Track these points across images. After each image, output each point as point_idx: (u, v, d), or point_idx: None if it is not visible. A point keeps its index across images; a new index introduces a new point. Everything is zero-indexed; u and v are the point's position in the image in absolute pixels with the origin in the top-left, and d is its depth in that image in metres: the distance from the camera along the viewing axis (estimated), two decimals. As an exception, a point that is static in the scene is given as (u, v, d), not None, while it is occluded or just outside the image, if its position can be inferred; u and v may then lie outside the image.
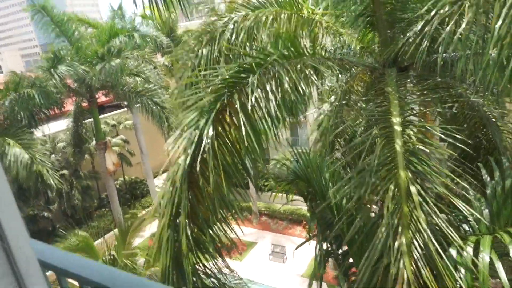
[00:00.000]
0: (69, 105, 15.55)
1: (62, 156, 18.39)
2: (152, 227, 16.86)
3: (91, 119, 15.56)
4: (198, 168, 3.92)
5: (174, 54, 9.04)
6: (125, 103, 16.31)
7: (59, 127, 17.77)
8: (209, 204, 4.19)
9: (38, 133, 13.42)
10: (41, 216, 17.42)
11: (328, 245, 4.58)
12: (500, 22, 2.53)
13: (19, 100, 11.37)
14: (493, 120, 4.86)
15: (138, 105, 14.25)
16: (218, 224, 4.33)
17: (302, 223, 18.24)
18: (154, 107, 13.41)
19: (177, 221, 4.04)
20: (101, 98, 16.17)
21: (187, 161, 3.79)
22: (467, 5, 2.90)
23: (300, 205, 17.56)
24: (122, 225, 8.47)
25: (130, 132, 20.46)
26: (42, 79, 11.89)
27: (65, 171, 18.00)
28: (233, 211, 4.32)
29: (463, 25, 3.05)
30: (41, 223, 17.58)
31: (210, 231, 4.25)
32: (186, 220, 3.88)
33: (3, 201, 0.58)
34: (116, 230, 8.97)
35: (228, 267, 4.59)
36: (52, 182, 10.72)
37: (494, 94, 4.71)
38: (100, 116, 16.02)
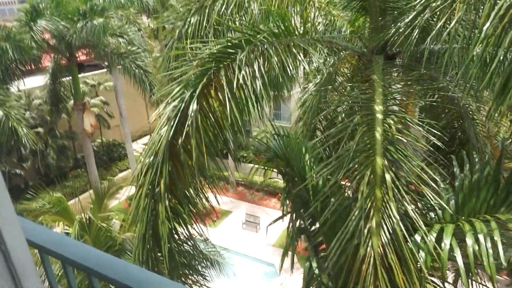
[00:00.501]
0: (47, 62, 14.92)
1: (37, 114, 17.83)
2: (128, 190, 16.86)
3: (70, 78, 15.05)
4: (180, 141, 3.94)
5: (161, 19, 8.76)
6: (106, 63, 15.80)
7: (35, 83, 17.09)
8: (188, 175, 4.25)
9: (13, 88, 12.90)
10: (13, 173, 17.08)
11: (301, 222, 4.75)
12: (488, 23, 2.59)
13: (-8, 53, 10.84)
14: (470, 113, 5.04)
15: (119, 67, 13.85)
16: (195, 193, 4.41)
17: (277, 195, 18.65)
18: (136, 70, 13.08)
19: (155, 191, 4.09)
20: (81, 56, 15.57)
21: (170, 133, 3.79)
22: (459, 2, 2.94)
23: (277, 178, 17.88)
24: (98, 186, 8.44)
25: (110, 94, 19.94)
26: (17, 32, 11.30)
27: (40, 129, 17.52)
28: (211, 181, 4.40)
29: (454, 21, 3.11)
30: (13, 180, 17.24)
31: (187, 201, 4.33)
32: (165, 191, 3.93)
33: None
34: (91, 191, 8.94)
35: (202, 235, 4.72)
36: (26, 141, 10.46)
37: (473, 88, 4.86)
38: (79, 75, 15.50)
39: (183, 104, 3.81)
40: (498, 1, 2.61)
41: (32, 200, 8.19)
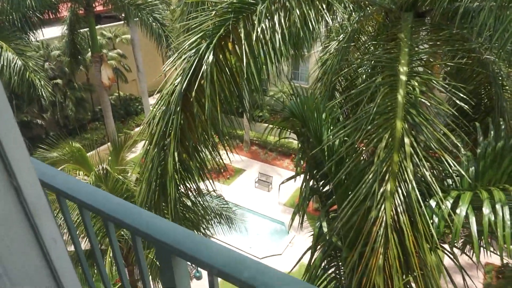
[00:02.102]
0: (64, 11, 14.72)
1: (56, 65, 17.90)
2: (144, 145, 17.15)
3: (87, 29, 14.88)
4: (193, 94, 3.87)
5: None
6: (123, 15, 15.49)
7: (53, 33, 17.01)
8: (200, 129, 4.22)
9: (31, 37, 12.86)
10: (35, 123, 17.50)
11: (314, 183, 4.73)
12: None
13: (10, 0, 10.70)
14: (499, 79, 4.77)
15: (136, 19, 13.56)
16: (206, 149, 4.41)
17: (291, 156, 18.71)
18: (153, 24, 12.79)
19: (166, 141, 4.09)
20: (98, 7, 15.28)
21: (184, 84, 3.72)
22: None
23: (291, 139, 17.86)
24: (115, 139, 8.57)
25: (127, 47, 19.75)
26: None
27: (59, 81, 17.68)
28: (225, 138, 4.37)
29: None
30: (34, 129, 17.72)
31: (198, 156, 4.33)
32: (175, 142, 3.92)
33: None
34: (109, 144, 9.10)
35: (215, 191, 4.77)
36: (44, 94, 10.56)
37: (508, 53, 4.56)
38: (96, 27, 15.30)
39: (199, 55, 3.70)
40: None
41: (52, 149, 8.39)
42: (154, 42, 13.74)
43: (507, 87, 4.84)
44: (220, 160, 4.52)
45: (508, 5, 3.31)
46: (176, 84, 3.86)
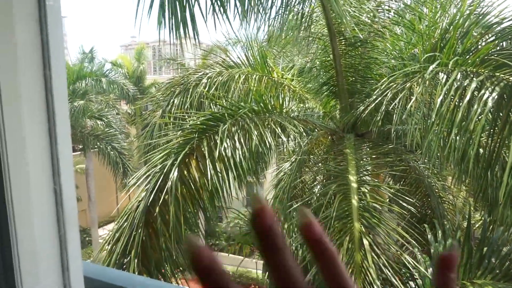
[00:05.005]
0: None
1: None
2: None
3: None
4: (157, 209, 3.90)
5: (143, 101, 9.21)
6: (80, 146, 15.79)
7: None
8: (163, 246, 4.10)
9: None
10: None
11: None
12: (439, 101, 2.99)
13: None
14: (436, 191, 5.34)
15: (94, 149, 13.88)
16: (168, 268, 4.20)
17: (250, 287, 17.57)
18: (111, 152, 13.12)
19: (125, 260, 3.89)
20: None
21: (150, 199, 3.77)
22: (415, 84, 3.39)
23: (250, 267, 17.09)
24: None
25: (81, 177, 19.46)
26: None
27: None
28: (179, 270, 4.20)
29: (412, 101, 3.53)
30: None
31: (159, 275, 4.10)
32: (136, 260, 3.75)
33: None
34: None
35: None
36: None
37: (437, 168, 5.25)
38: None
39: (164, 171, 3.88)
40: (449, 80, 3.05)
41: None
42: (110, 170, 13.84)
43: (444, 198, 5.39)
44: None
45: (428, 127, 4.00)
46: (140, 200, 3.91)
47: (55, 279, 0.58)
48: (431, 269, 3.32)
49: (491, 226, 3.34)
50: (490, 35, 3.80)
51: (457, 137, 3.37)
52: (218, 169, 4.15)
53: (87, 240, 19.88)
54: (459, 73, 3.20)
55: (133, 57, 19.59)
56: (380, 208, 3.41)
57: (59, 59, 0.56)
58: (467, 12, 3.97)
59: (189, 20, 3.80)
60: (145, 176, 4.06)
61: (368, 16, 4.75)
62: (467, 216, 5.18)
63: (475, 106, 2.93)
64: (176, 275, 4.23)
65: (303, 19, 4.82)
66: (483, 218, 3.70)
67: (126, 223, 3.84)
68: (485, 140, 3.41)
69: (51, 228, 0.59)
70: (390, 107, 3.74)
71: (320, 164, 5.77)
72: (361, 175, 3.86)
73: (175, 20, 3.76)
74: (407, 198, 3.50)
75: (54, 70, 0.57)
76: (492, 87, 2.94)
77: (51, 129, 0.58)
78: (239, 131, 4.33)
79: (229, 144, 4.28)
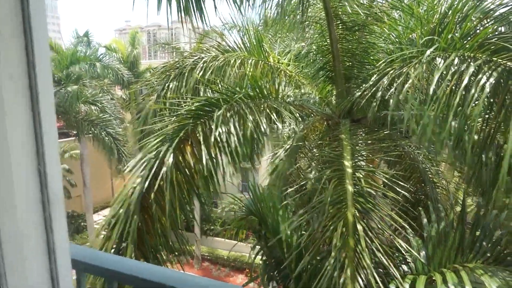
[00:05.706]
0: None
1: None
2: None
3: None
4: (152, 196, 3.89)
5: (136, 86, 9.09)
6: (74, 131, 15.66)
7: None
8: (158, 232, 4.11)
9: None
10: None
11: (275, 285, 4.58)
12: (433, 86, 2.97)
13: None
14: (430, 176, 5.37)
15: (89, 134, 13.78)
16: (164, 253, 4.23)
17: (244, 271, 17.81)
18: (106, 138, 13.03)
19: (122, 245, 3.89)
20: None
21: (145, 185, 3.75)
22: (412, 69, 3.36)
23: (244, 252, 17.27)
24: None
25: (75, 162, 19.40)
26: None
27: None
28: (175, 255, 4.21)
29: (406, 85, 3.51)
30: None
31: (157, 262, 4.12)
32: (132, 245, 3.75)
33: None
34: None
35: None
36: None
37: (432, 153, 5.27)
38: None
39: (159, 157, 3.85)
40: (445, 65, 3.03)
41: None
42: (104, 155, 13.78)
43: (438, 184, 5.43)
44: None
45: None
46: (135, 186, 3.88)
47: (40, 261, 0.56)
48: (423, 252, 3.36)
49: (483, 210, 3.36)
50: (488, 20, 3.76)
51: (453, 122, 3.36)
52: (213, 155, 4.13)
53: (82, 226, 19.95)
54: (457, 58, 3.17)
55: (127, 41, 19.30)
56: (375, 193, 3.42)
57: (40, 31, 0.52)
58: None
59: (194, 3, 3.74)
60: (140, 162, 4.03)
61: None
62: (460, 201, 5.24)
63: (472, 91, 2.91)
64: (172, 260, 4.26)
65: (301, 3, 4.74)
66: (475, 203, 3.74)
67: (121, 210, 3.82)
68: (480, 125, 3.41)
69: (35, 210, 0.57)
70: (387, 94, 3.72)
71: (315, 149, 5.77)
72: (356, 160, 3.86)
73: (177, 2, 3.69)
74: (401, 183, 3.51)
75: (36, 44, 0.54)
76: (490, 72, 2.92)
77: (34, 107, 0.55)
78: (234, 116, 4.29)
79: (224, 130, 4.25)
